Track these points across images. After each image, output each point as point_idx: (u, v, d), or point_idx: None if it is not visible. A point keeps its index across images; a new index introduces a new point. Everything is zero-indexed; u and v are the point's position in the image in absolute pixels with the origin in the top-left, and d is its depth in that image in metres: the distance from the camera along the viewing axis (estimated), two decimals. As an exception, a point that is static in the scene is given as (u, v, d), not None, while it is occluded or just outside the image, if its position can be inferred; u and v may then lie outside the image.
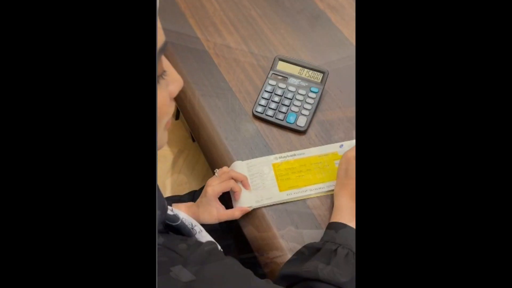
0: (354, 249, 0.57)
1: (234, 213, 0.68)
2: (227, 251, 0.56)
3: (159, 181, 1.13)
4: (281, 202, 0.71)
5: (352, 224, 0.61)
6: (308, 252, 0.59)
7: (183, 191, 0.98)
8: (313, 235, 0.68)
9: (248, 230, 0.71)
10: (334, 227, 0.61)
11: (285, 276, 0.57)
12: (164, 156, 1.20)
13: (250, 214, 0.71)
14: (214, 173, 0.73)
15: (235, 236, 0.79)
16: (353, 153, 0.66)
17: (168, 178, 1.19)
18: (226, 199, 0.73)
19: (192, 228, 0.57)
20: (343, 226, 0.60)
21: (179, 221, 0.53)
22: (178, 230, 0.54)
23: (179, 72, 0.87)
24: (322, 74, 0.82)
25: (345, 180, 0.64)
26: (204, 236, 0.59)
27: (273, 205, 0.71)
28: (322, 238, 0.62)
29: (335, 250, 0.57)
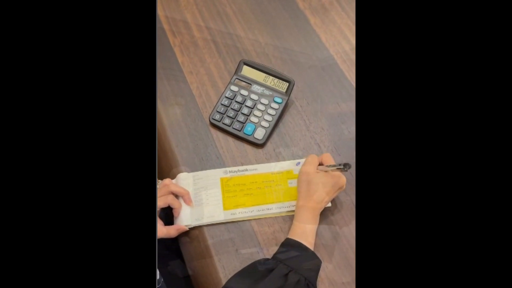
0: (306, 274, 0.57)
1: (169, 232, 0.63)
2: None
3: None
4: (223, 221, 0.65)
5: (310, 240, 0.61)
6: (260, 273, 0.57)
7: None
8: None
9: (185, 250, 0.66)
10: (290, 244, 0.60)
11: None
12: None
13: (188, 233, 0.65)
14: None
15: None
16: (310, 167, 0.64)
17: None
18: (170, 214, 0.68)
19: None
20: (299, 245, 0.60)
21: None
22: None
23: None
24: (287, 84, 0.75)
25: (308, 196, 0.63)
26: None
27: (214, 224, 0.65)
28: (276, 255, 0.59)
29: (287, 274, 0.56)
